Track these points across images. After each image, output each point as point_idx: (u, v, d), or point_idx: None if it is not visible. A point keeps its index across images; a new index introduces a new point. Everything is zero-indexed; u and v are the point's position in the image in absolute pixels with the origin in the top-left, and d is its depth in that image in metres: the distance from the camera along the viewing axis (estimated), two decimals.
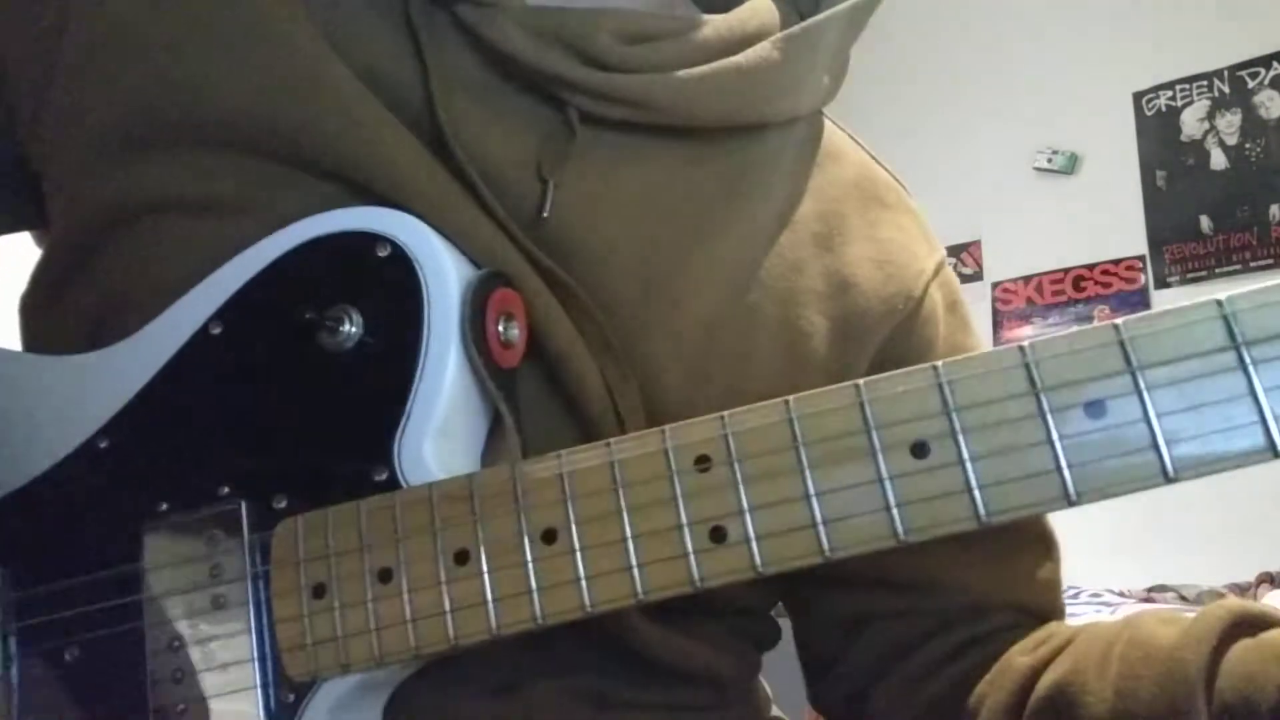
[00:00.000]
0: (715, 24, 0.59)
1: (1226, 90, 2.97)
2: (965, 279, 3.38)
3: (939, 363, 0.40)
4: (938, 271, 0.66)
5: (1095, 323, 0.44)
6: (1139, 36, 3.09)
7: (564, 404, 0.53)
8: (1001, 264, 3.30)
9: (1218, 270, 2.95)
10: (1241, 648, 0.50)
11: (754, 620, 0.65)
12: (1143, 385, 0.37)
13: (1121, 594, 2.55)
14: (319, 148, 0.52)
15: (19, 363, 0.59)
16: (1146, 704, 0.51)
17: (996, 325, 3.30)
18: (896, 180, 0.69)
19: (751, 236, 0.59)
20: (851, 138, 0.69)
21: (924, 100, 3.49)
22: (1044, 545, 0.65)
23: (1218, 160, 2.97)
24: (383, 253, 0.50)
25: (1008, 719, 0.57)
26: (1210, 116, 2.99)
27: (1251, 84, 2.94)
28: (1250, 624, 0.51)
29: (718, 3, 0.63)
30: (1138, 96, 3.10)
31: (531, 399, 0.52)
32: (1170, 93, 3.05)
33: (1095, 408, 0.37)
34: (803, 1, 0.64)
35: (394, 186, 0.51)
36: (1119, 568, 2.73)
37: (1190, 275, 3.00)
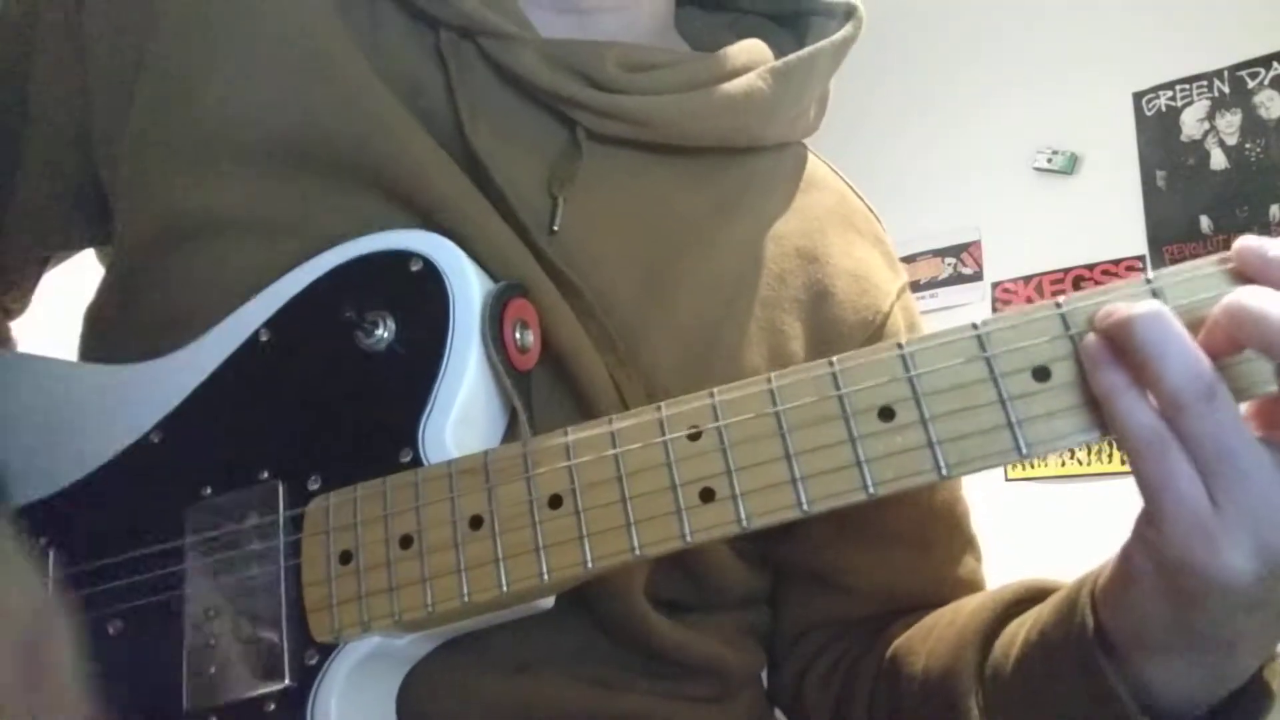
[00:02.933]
0: (708, 58, 0.66)
1: (1226, 90, 2.96)
2: (965, 279, 3.38)
3: (901, 340, 0.45)
4: (900, 294, 0.72)
5: None
6: (1139, 36, 3.09)
7: (574, 400, 0.58)
8: (1001, 264, 3.30)
9: None
10: (1020, 617, 0.56)
11: (757, 613, 0.71)
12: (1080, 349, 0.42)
13: None
14: (366, 164, 0.58)
15: (76, 373, 0.64)
16: (942, 662, 0.59)
17: None
18: (870, 210, 0.76)
19: (740, 248, 0.66)
20: (833, 170, 0.77)
21: (924, 100, 3.51)
22: (968, 548, 0.73)
23: (1218, 160, 2.96)
24: (415, 267, 0.56)
25: (874, 681, 0.66)
26: (1210, 116, 2.98)
27: (1251, 84, 2.93)
28: (1042, 596, 0.56)
29: (708, 45, 0.70)
30: (1138, 96, 3.09)
31: (544, 397, 0.57)
32: (1170, 93, 3.04)
33: (1040, 371, 0.42)
34: (785, 42, 0.72)
35: (429, 199, 0.57)
36: None
37: None
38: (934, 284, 3.44)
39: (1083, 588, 0.49)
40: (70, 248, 0.72)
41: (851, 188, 0.77)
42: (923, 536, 0.69)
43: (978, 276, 3.36)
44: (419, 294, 0.55)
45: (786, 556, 0.69)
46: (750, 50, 0.68)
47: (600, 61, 0.61)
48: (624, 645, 0.60)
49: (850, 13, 0.72)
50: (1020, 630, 0.54)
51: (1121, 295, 0.42)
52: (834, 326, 0.67)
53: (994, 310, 3.28)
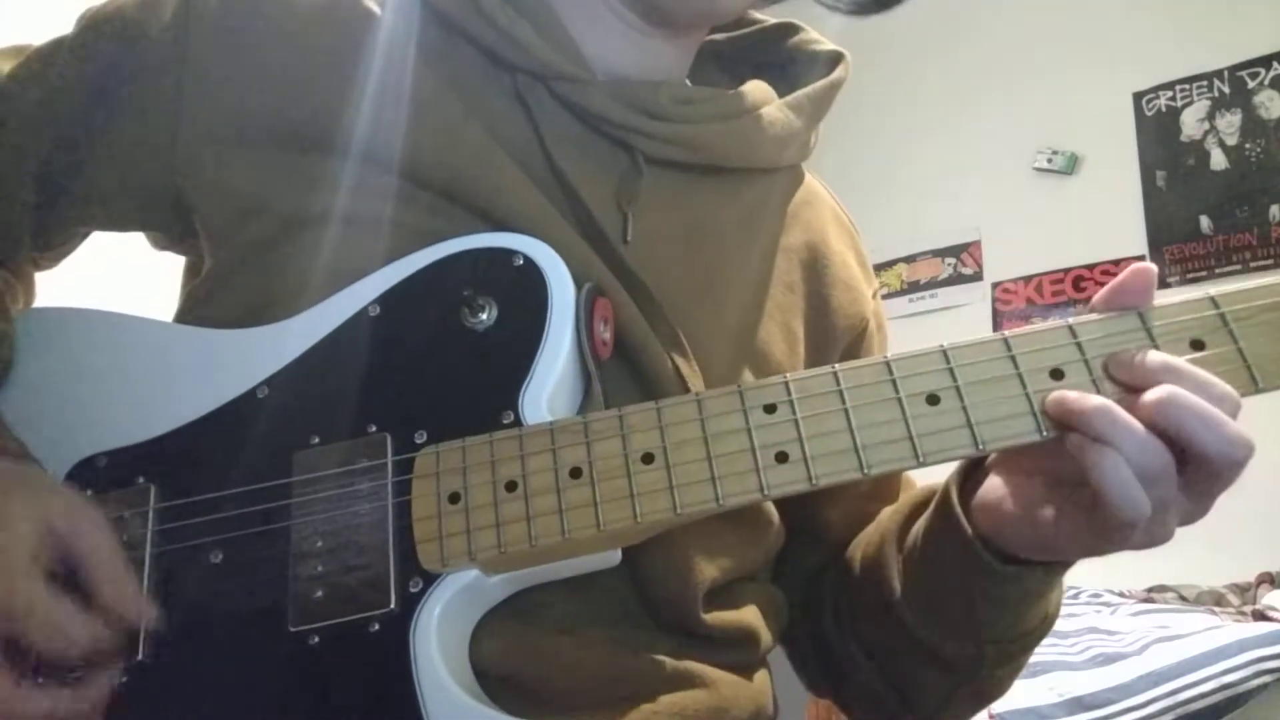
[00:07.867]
0: (735, 93, 0.82)
1: (1226, 90, 3.05)
2: (965, 279, 3.48)
3: (944, 343, 0.59)
4: (874, 298, 0.89)
5: None
6: (1139, 36, 3.18)
7: (640, 391, 0.69)
8: (1001, 264, 3.40)
9: (1218, 270, 2.99)
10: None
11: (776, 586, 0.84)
12: (1087, 356, 0.56)
13: (1122, 594, 2.61)
14: (461, 188, 0.70)
15: (171, 333, 0.73)
16: (871, 558, 0.77)
17: (996, 325, 3.34)
18: (851, 222, 0.94)
19: (762, 258, 0.81)
20: (823, 185, 0.93)
21: (924, 101, 3.61)
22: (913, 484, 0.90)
23: (1218, 160, 3.05)
24: (518, 263, 0.67)
25: (834, 588, 0.84)
26: (1210, 116, 3.07)
27: (1251, 84, 3.01)
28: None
29: (707, 84, 0.87)
30: (1138, 96, 3.19)
31: (613, 388, 0.68)
32: (1170, 93, 3.14)
33: (1055, 372, 0.57)
34: (776, 84, 0.87)
35: (513, 216, 0.69)
36: (1119, 568, 2.77)
37: (1190, 275, 3.05)
38: (934, 284, 3.52)
39: (950, 496, 0.68)
40: (119, 230, 0.82)
41: (837, 202, 0.92)
42: (895, 492, 0.86)
43: (978, 276, 3.44)
44: (521, 285, 0.66)
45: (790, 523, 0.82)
46: (761, 89, 0.84)
47: (656, 96, 0.76)
48: (674, 630, 0.70)
49: (837, 59, 0.88)
50: (920, 528, 0.72)
51: (1119, 332, 0.57)
52: (830, 332, 0.82)
53: (994, 310, 3.34)
